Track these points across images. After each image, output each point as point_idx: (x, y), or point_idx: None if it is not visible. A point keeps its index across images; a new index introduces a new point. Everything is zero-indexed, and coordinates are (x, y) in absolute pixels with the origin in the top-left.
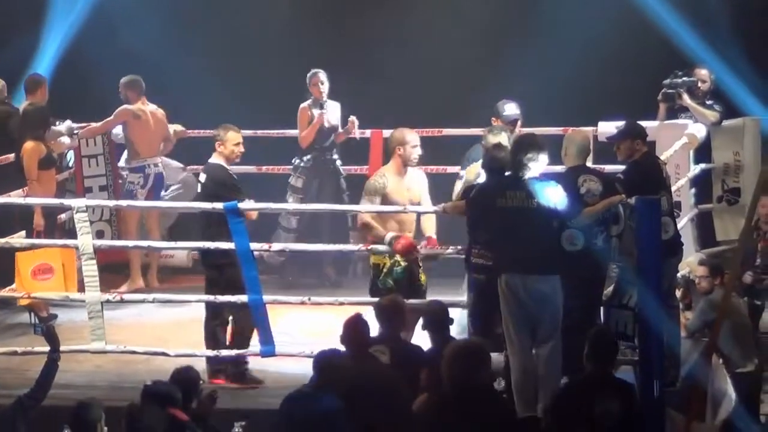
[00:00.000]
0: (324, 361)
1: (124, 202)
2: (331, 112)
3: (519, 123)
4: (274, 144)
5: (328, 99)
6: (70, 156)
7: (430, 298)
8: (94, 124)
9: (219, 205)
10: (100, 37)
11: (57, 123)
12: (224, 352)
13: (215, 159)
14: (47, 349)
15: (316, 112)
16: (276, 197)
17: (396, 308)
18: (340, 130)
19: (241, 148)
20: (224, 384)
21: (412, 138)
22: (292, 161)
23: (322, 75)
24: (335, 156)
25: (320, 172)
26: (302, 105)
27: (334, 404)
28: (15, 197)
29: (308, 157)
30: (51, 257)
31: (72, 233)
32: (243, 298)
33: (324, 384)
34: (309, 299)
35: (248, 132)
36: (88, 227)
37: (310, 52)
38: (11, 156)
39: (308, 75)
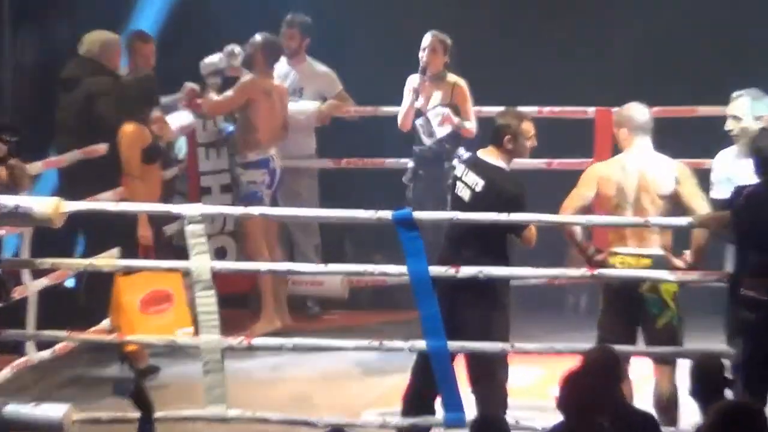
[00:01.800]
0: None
1: (257, 209)
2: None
3: None
4: None
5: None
6: (181, 145)
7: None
8: (213, 96)
9: (386, 214)
10: None
11: (166, 100)
12: (391, 419)
13: (493, 158)
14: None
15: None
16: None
17: (609, 361)
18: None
19: (534, 142)
20: None
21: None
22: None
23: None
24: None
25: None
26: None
27: None
28: (105, 201)
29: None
30: (168, 281)
31: (181, 252)
32: (418, 344)
33: None
34: (512, 346)
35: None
36: (205, 244)
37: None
38: (102, 147)
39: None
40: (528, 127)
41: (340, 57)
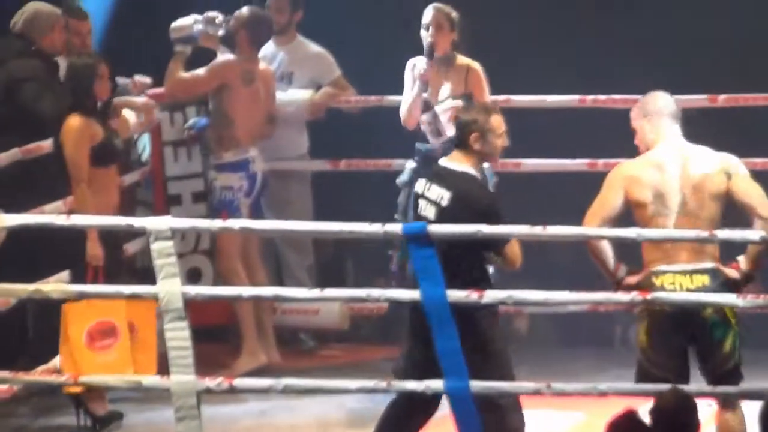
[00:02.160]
0: None
1: (237, 223)
2: None
3: None
4: None
5: None
6: (145, 143)
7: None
8: (178, 72)
9: (395, 228)
10: None
11: (122, 84)
12: None
13: (459, 164)
14: None
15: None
16: None
17: (686, 409)
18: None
19: (506, 140)
20: None
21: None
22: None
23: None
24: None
25: None
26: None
27: None
28: (51, 214)
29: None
30: (113, 312)
31: (147, 274)
32: (435, 385)
33: None
34: (548, 386)
35: None
36: (175, 265)
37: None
38: (45, 144)
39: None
40: (498, 122)
41: (334, 38)
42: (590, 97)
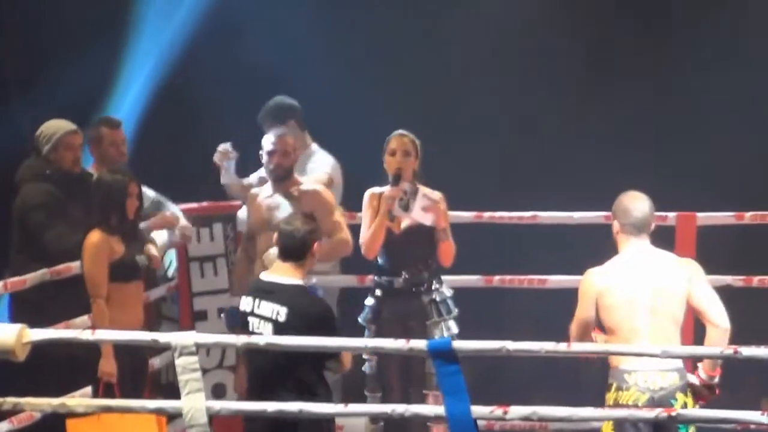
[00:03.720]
0: None
1: (263, 338)
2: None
3: None
4: None
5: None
6: (171, 258)
7: None
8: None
9: (420, 344)
10: (219, 52)
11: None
12: None
13: (289, 277)
14: None
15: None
16: None
17: None
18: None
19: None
20: None
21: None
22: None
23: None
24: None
25: None
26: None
27: None
28: (75, 328)
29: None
30: (141, 427)
31: (171, 390)
32: None
33: None
34: None
35: None
36: (200, 380)
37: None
38: (74, 265)
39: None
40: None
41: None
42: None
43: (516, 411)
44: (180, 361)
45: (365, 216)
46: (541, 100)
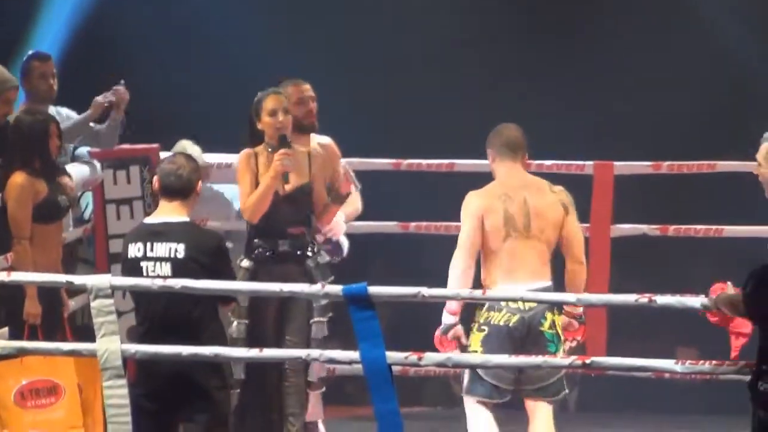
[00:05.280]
0: None
1: (179, 282)
2: None
3: None
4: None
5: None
6: (88, 201)
7: None
8: None
9: (335, 289)
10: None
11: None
12: None
13: (179, 216)
14: None
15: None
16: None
17: None
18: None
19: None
20: None
21: None
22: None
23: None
24: None
25: None
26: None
27: None
28: None
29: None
30: (58, 371)
31: (87, 332)
32: None
33: None
34: None
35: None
36: (115, 323)
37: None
38: None
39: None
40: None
41: None
42: (535, 162)
43: (431, 357)
44: (95, 304)
45: (244, 178)
46: (463, 49)
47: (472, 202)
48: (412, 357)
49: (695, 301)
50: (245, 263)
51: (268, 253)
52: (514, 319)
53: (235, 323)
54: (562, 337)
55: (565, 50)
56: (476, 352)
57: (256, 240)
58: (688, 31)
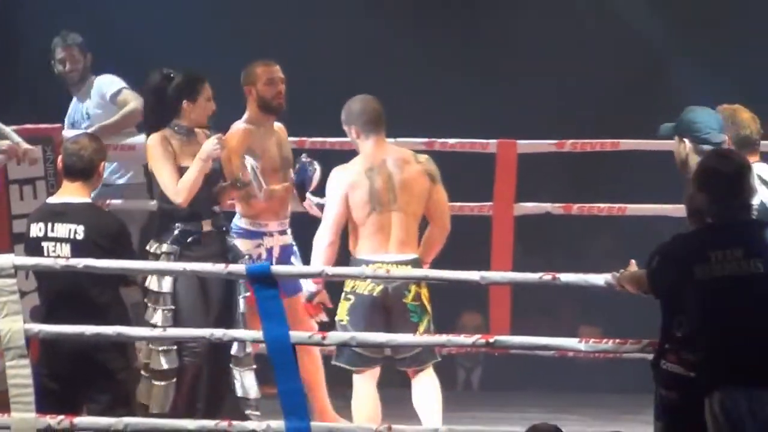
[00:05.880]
0: None
1: (81, 261)
2: None
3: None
4: None
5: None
6: None
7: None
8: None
9: (239, 268)
10: None
11: None
12: None
13: (80, 197)
14: None
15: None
16: None
17: None
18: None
19: None
20: None
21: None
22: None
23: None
24: None
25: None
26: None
27: None
28: None
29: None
30: None
31: None
32: (275, 425)
33: None
34: (389, 429)
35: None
36: (18, 302)
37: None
38: None
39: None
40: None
41: None
42: (439, 141)
43: (334, 336)
44: None
45: (165, 163)
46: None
47: (338, 178)
48: (316, 336)
49: (599, 278)
50: (165, 248)
51: (193, 237)
52: (378, 289)
53: (160, 311)
54: (429, 309)
55: (469, 28)
56: (342, 320)
57: (179, 224)
58: (595, 9)
